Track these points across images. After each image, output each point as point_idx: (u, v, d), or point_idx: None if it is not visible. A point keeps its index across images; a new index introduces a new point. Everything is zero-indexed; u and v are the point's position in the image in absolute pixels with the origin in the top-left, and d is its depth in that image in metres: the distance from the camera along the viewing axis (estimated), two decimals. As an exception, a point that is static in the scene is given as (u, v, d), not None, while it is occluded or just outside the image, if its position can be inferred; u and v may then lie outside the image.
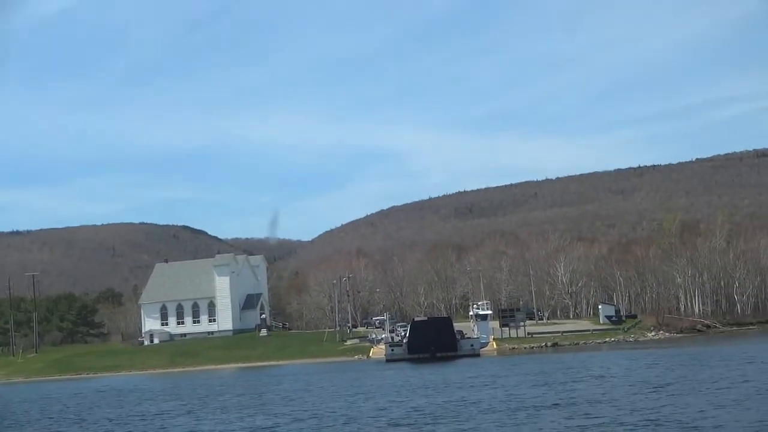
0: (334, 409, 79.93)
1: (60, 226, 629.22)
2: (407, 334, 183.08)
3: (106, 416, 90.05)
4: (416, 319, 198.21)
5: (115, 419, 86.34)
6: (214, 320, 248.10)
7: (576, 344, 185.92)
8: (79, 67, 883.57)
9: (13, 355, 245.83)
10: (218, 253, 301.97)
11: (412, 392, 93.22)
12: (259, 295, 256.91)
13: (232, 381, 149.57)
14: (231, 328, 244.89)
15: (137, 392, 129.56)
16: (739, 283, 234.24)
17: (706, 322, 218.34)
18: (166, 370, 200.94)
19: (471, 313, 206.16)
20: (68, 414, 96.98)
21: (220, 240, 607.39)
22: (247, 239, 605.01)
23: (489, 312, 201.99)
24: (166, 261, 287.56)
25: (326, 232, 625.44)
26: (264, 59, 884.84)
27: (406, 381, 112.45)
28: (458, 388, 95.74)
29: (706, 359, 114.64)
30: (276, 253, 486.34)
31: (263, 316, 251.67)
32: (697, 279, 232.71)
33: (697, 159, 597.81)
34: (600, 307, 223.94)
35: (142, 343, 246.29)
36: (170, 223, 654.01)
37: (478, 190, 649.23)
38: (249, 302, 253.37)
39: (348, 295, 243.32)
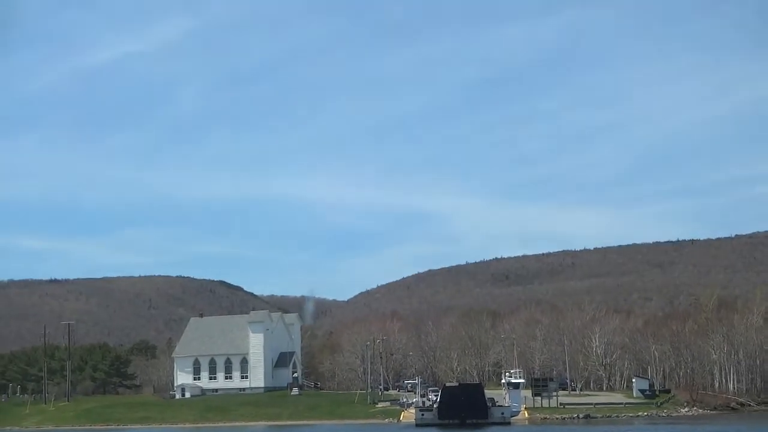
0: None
1: (98, 276, 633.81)
2: (438, 399, 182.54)
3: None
4: (447, 384, 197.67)
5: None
6: (246, 377, 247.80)
7: (608, 417, 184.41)
8: (121, 120, 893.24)
9: (45, 403, 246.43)
10: (253, 309, 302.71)
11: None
12: (292, 354, 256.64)
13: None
14: (263, 385, 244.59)
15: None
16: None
17: (740, 399, 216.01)
18: (196, 425, 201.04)
19: (503, 380, 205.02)
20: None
21: (255, 296, 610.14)
22: (282, 296, 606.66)
23: (522, 380, 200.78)
24: (201, 315, 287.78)
25: (362, 293, 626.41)
26: (308, 119, 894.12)
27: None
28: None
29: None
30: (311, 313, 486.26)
31: (295, 374, 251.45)
32: (732, 356, 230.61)
33: (736, 235, 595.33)
34: (634, 380, 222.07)
35: (174, 396, 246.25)
36: (207, 278, 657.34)
37: (515, 257, 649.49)
38: (282, 360, 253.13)
39: (381, 358, 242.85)
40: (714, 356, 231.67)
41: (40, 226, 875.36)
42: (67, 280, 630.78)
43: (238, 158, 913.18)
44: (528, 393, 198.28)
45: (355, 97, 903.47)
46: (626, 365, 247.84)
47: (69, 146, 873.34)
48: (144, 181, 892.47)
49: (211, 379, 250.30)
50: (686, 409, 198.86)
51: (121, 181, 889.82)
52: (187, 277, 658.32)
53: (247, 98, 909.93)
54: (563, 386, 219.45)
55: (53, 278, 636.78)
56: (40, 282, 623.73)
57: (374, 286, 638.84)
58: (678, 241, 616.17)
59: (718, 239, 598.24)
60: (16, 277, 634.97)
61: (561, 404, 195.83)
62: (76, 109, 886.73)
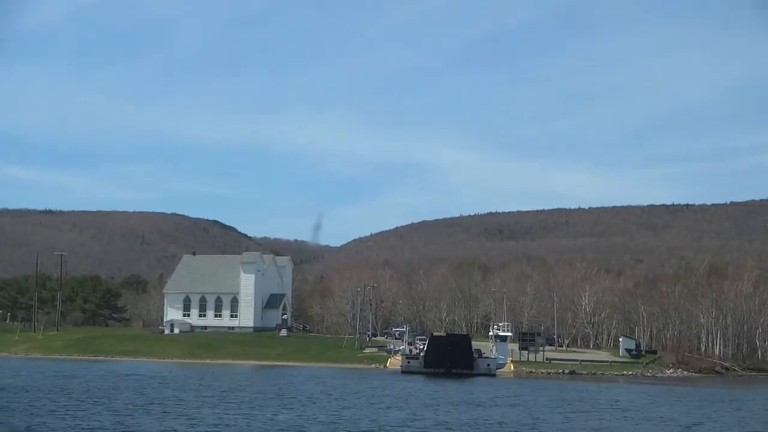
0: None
1: (92, 209, 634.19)
2: (425, 348, 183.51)
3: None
4: (435, 333, 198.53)
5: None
6: (236, 316, 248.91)
7: (593, 374, 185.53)
8: (125, 55, 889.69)
9: (35, 332, 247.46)
10: (246, 250, 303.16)
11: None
12: (282, 296, 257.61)
13: (252, 377, 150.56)
14: (252, 325, 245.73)
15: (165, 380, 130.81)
16: (762, 329, 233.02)
17: (725, 364, 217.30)
18: (184, 361, 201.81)
19: (491, 333, 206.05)
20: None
21: (249, 237, 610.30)
22: (275, 239, 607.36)
23: (509, 334, 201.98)
24: (194, 253, 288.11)
25: (355, 240, 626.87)
26: (307, 66, 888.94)
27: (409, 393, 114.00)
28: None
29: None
30: (303, 255, 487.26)
31: (285, 316, 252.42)
32: (720, 321, 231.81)
33: (731, 202, 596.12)
34: (621, 339, 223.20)
35: (163, 331, 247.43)
36: (201, 217, 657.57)
37: (509, 212, 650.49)
38: (272, 302, 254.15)
39: (371, 304, 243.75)
40: (702, 320, 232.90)
41: (35, 158, 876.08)
42: (61, 212, 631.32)
43: (237, 101, 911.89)
44: (515, 347, 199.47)
45: (358, 49, 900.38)
46: (614, 325, 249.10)
47: (68, 80, 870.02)
48: (143, 117, 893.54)
49: (200, 316, 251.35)
50: (671, 371, 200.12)
51: (120, 117, 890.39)
52: (181, 214, 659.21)
53: (251, 42, 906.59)
54: (550, 342, 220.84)
55: (47, 209, 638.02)
56: (34, 212, 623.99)
57: (367, 234, 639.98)
58: (672, 205, 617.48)
59: (713, 205, 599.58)
60: (10, 206, 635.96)
61: (547, 359, 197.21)
62: (75, 43, 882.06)
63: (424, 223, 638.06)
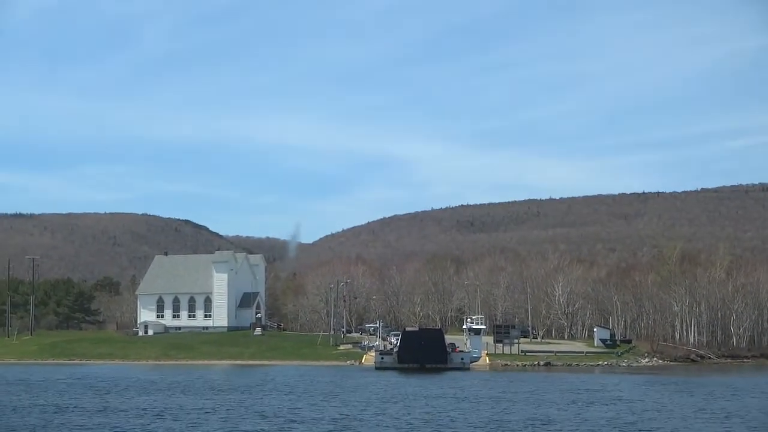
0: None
1: (63, 212, 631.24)
2: (398, 344, 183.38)
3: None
4: (408, 329, 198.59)
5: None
6: (210, 316, 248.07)
7: (569, 365, 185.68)
8: (91, 55, 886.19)
9: (8, 337, 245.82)
10: (218, 249, 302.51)
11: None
12: (256, 294, 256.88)
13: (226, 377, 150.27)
14: (226, 324, 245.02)
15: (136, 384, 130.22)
16: (736, 316, 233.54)
17: (700, 352, 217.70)
18: (158, 362, 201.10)
19: (465, 326, 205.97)
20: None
21: (221, 237, 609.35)
22: (247, 237, 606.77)
23: (483, 327, 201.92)
24: (166, 254, 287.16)
25: (327, 236, 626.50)
26: (275, 61, 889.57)
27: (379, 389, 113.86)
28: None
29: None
30: (276, 253, 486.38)
31: (259, 315, 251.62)
32: (694, 309, 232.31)
33: (702, 189, 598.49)
34: (595, 330, 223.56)
35: (137, 333, 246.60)
36: (173, 217, 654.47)
37: (480, 204, 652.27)
38: (245, 300, 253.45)
39: (344, 301, 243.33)
40: (676, 308, 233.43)
41: (4, 160, 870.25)
42: (32, 215, 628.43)
43: (206, 98, 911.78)
44: (490, 340, 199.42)
45: (323, 42, 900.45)
46: (588, 315, 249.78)
47: (33, 81, 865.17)
48: (110, 117, 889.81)
49: (174, 317, 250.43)
50: (646, 360, 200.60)
51: (86, 117, 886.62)
52: (153, 215, 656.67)
53: (216, 38, 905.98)
54: (525, 334, 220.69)
55: (18, 212, 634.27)
56: (4, 216, 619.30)
57: (339, 230, 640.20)
58: (643, 193, 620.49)
59: (684, 192, 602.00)
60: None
61: (522, 351, 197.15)
62: (42, 43, 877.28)
63: (395, 218, 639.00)
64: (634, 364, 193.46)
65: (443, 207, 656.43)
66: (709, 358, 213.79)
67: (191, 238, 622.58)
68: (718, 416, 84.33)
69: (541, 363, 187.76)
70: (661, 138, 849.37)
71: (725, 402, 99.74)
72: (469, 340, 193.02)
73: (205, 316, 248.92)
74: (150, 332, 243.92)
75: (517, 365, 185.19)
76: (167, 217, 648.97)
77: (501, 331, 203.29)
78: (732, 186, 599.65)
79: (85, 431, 73.25)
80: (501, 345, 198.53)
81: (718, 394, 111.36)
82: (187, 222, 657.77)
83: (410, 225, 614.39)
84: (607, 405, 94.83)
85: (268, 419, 79.64)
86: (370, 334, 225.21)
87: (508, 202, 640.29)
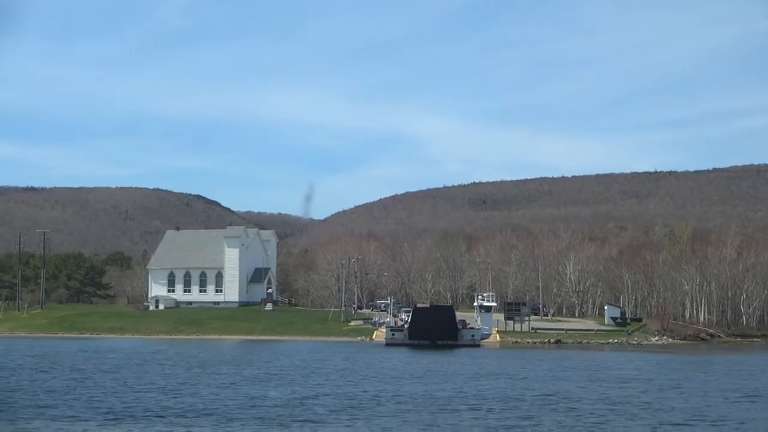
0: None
1: (75, 186, 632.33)
2: (409, 320, 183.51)
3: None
4: (419, 305, 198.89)
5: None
6: (221, 291, 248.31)
7: (579, 343, 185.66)
8: (104, 28, 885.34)
9: (19, 310, 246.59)
10: (230, 224, 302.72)
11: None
12: (267, 270, 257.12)
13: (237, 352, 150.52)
14: (237, 300, 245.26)
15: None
16: (746, 295, 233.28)
17: (710, 331, 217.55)
18: (169, 336, 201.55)
19: (476, 303, 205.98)
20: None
21: (232, 212, 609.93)
22: (259, 213, 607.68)
23: (494, 304, 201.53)
24: (178, 228, 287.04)
25: (338, 212, 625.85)
26: (289, 37, 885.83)
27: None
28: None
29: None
30: (287, 229, 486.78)
31: (270, 290, 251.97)
32: (704, 288, 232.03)
33: (714, 168, 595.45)
34: (606, 308, 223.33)
35: (148, 307, 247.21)
36: (185, 192, 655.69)
37: (493, 182, 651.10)
38: (257, 276, 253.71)
39: (355, 277, 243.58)
40: (686, 287, 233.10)
41: (16, 133, 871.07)
42: (43, 189, 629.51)
43: (220, 73, 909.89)
44: (501, 317, 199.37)
45: (338, 17, 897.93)
46: (599, 293, 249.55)
47: (46, 54, 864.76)
48: (125, 91, 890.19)
49: (185, 292, 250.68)
50: (656, 338, 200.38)
51: (101, 91, 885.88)
52: (165, 189, 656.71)
53: (231, 13, 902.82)
54: (536, 311, 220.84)
55: (30, 186, 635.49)
56: (16, 189, 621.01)
57: (351, 206, 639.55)
58: (656, 172, 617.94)
59: (696, 172, 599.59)
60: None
61: (533, 329, 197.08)
62: (54, 17, 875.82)
63: (407, 195, 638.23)
64: (644, 342, 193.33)
65: (455, 184, 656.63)
66: (719, 336, 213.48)
67: (203, 213, 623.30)
68: (746, 396, 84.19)
69: (552, 341, 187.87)
70: (673, 117, 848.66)
71: (743, 381, 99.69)
72: (479, 317, 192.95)
73: (216, 291, 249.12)
74: (161, 307, 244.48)
75: (528, 342, 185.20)
76: (179, 192, 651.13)
77: (512, 309, 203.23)
78: (744, 165, 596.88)
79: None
80: (512, 322, 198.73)
81: (735, 373, 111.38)
82: (198, 197, 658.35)
83: (422, 202, 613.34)
84: (624, 383, 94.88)
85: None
86: (381, 311, 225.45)
87: (520, 180, 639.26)
